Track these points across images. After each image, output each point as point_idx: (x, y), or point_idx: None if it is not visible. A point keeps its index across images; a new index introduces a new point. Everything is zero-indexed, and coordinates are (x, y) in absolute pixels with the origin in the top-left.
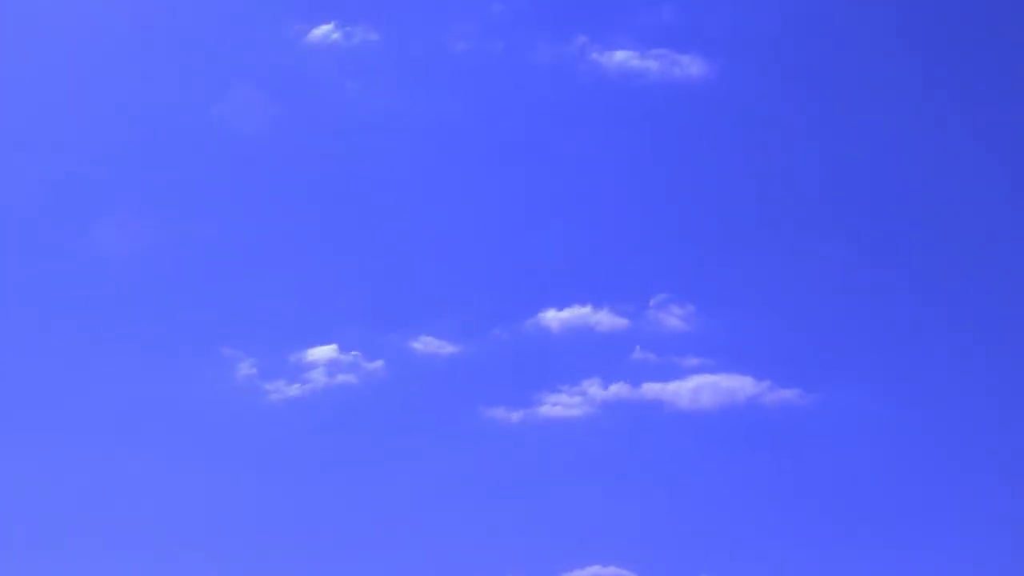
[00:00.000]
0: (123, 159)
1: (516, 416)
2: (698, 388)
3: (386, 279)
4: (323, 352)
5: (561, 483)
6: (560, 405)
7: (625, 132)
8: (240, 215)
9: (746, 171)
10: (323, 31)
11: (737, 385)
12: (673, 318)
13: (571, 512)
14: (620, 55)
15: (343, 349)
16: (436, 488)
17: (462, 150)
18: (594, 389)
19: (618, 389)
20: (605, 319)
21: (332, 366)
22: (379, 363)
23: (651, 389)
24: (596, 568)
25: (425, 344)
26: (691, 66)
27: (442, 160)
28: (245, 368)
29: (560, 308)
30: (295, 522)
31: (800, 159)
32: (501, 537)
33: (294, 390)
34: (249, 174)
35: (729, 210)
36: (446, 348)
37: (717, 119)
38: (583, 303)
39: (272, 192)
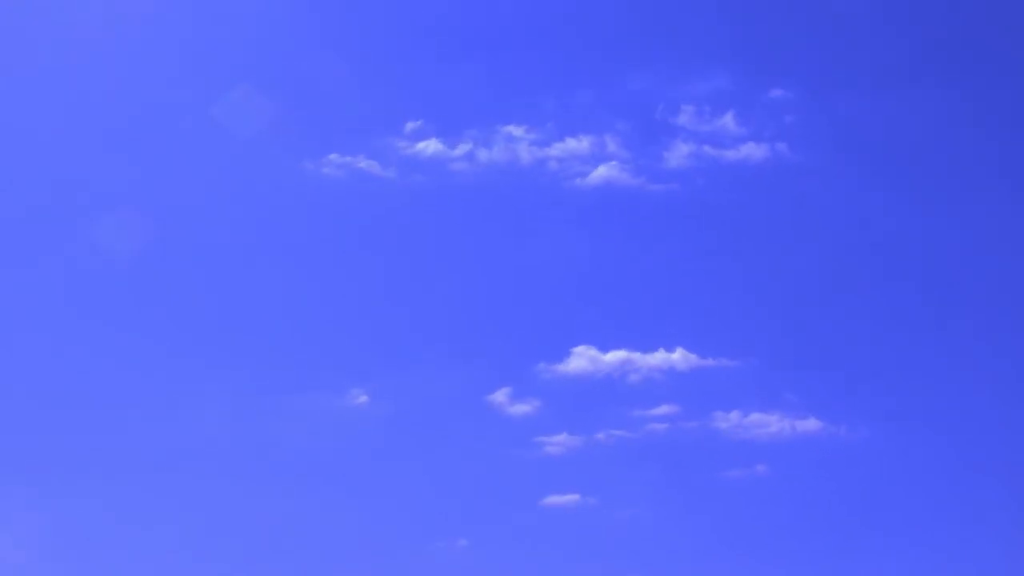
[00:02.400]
0: (122, 159)
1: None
2: (743, 426)
3: (415, 314)
4: (336, 391)
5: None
6: (619, 432)
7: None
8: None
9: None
10: None
11: (779, 424)
12: (718, 360)
13: (619, 537)
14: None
15: (358, 388)
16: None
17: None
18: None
19: (658, 425)
20: (645, 360)
21: (343, 402)
22: (392, 404)
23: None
24: None
25: (451, 384)
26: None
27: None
28: (249, 405)
29: (603, 351)
30: (301, 549)
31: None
32: None
33: (305, 430)
34: (253, 186)
35: (779, 261)
36: (480, 388)
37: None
38: (625, 345)
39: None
